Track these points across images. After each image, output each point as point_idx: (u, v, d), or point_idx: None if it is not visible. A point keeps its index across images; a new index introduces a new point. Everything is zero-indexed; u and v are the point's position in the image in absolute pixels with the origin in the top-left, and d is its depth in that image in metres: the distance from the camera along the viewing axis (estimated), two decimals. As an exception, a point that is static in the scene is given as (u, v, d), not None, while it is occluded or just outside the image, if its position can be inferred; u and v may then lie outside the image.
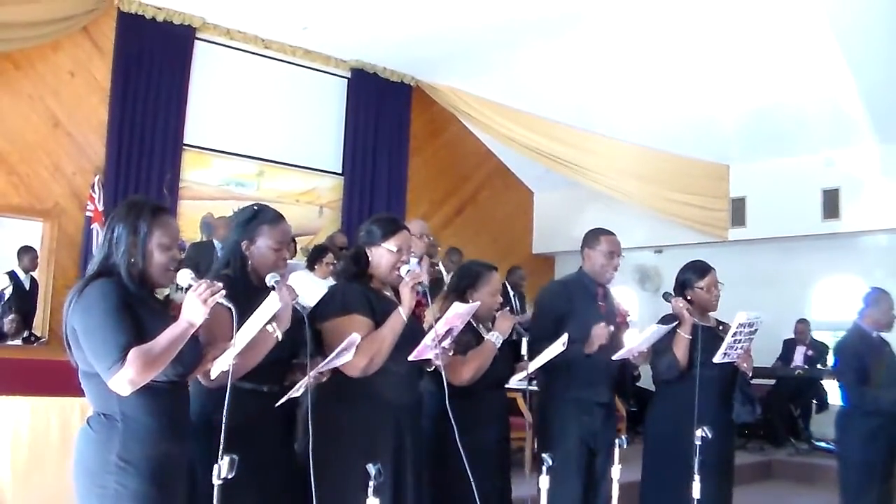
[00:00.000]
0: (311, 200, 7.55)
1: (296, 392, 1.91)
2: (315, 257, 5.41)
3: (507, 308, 2.84)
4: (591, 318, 2.90)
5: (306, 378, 1.89)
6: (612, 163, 7.35)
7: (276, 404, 1.91)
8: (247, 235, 2.10)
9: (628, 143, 7.20)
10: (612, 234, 3.05)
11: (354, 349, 1.95)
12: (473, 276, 2.72)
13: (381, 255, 2.29)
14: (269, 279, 1.99)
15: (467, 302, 2.51)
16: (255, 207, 2.16)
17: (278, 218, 2.14)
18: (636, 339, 2.85)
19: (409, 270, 2.22)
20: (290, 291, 1.95)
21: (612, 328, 2.83)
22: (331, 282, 5.23)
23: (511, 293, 6.61)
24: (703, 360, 2.84)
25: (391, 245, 2.28)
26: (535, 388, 2.65)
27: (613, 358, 2.84)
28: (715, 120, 6.81)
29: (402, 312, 2.18)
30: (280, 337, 1.90)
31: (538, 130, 7.52)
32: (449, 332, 2.23)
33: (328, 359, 1.92)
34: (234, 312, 1.68)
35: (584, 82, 6.95)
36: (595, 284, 3.03)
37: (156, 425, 1.73)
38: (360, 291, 2.24)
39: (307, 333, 1.91)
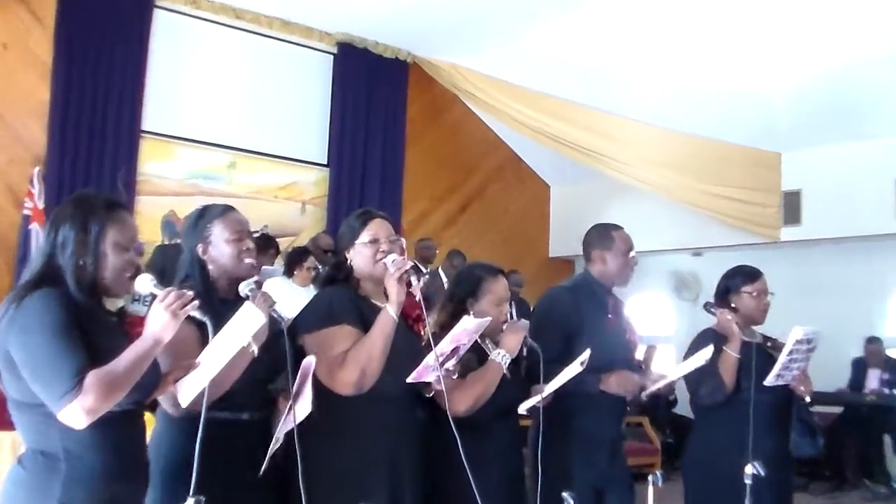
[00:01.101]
0: (292, 196, 7.54)
1: (275, 445, 1.92)
2: (294, 261, 5.41)
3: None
4: (603, 335, 2.86)
5: (282, 423, 1.88)
6: (643, 151, 7.30)
7: (260, 472, 1.90)
8: (199, 238, 2.15)
9: (661, 128, 7.15)
10: (621, 227, 3.05)
11: (309, 377, 1.94)
12: (473, 282, 2.68)
13: (358, 252, 2.31)
14: (244, 287, 2.00)
15: (466, 313, 2.50)
16: (200, 207, 2.23)
17: (227, 209, 2.21)
18: (675, 372, 2.79)
19: (393, 260, 2.21)
20: (267, 298, 1.96)
21: (645, 385, 2.78)
22: (312, 291, 5.23)
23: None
24: (754, 383, 2.82)
25: (364, 237, 2.30)
26: (524, 412, 2.60)
27: (644, 395, 2.80)
28: (763, 97, 6.68)
29: (391, 310, 2.16)
30: (256, 352, 1.90)
31: (556, 114, 7.49)
32: (455, 351, 2.22)
33: (288, 411, 1.90)
34: (209, 327, 1.71)
35: (609, 57, 6.90)
36: (605, 292, 3.00)
37: (106, 464, 1.69)
38: (348, 297, 2.26)
39: (286, 347, 1.91)
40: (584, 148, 7.51)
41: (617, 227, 3.06)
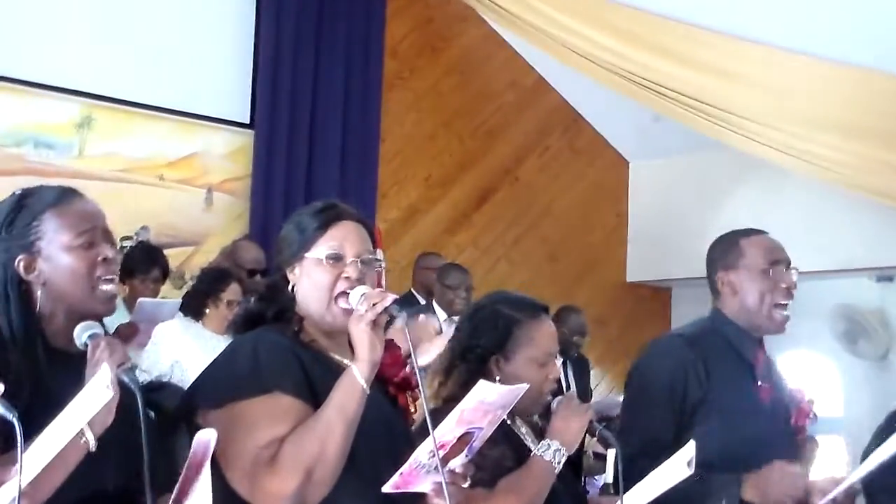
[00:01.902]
0: (191, 177, 7.53)
1: None
2: (206, 292, 5.46)
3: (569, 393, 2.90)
4: (748, 416, 3.04)
5: None
6: (791, 101, 7.23)
7: None
8: (17, 246, 2.18)
9: (824, 61, 7.09)
10: (762, 232, 3.29)
11: (208, 459, 2.00)
12: (501, 328, 2.84)
13: (308, 274, 2.41)
14: (81, 333, 2.06)
15: (492, 378, 2.62)
16: (18, 192, 2.29)
17: (66, 193, 2.27)
18: (856, 472, 2.86)
19: (363, 294, 2.29)
20: (115, 351, 2.00)
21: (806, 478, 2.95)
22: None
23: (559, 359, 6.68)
24: None
25: (320, 249, 2.40)
26: None
27: None
28: None
29: (359, 374, 2.20)
30: (94, 446, 1.93)
31: (639, 38, 7.48)
32: (465, 439, 2.25)
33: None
34: (17, 430, 1.76)
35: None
36: (752, 344, 3.19)
37: None
38: (283, 349, 2.34)
39: (143, 439, 1.93)
40: (687, 97, 7.46)
41: (749, 233, 3.28)
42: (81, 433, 1.92)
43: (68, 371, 1.98)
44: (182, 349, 5.00)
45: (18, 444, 1.76)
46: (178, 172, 7.46)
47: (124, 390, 1.97)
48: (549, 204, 8.93)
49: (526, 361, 2.80)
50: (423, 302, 6.60)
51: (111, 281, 2.22)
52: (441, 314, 6.23)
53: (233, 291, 5.39)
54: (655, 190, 9.19)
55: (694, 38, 7.35)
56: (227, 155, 7.66)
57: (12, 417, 1.78)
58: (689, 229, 8.30)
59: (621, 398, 3.58)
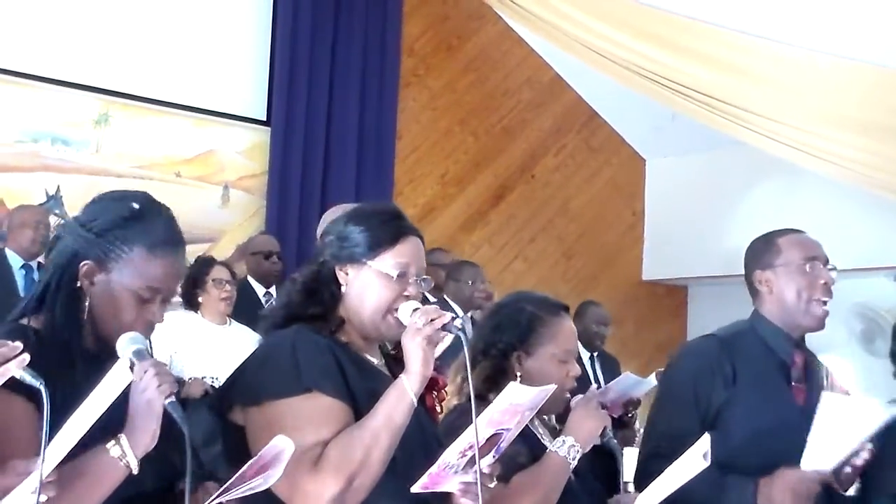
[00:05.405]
0: (208, 174, 7.56)
1: None
2: (193, 282, 5.44)
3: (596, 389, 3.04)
4: (773, 417, 3.02)
5: None
6: (806, 99, 7.21)
7: None
8: (94, 251, 2.17)
9: (839, 58, 7.04)
10: (799, 231, 3.27)
11: (282, 465, 2.00)
12: (525, 324, 2.86)
13: (367, 285, 2.40)
14: (126, 345, 2.04)
15: (513, 373, 2.73)
16: (137, 205, 2.25)
17: (167, 244, 2.23)
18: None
19: (416, 309, 2.30)
20: (164, 381, 1.99)
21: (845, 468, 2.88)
22: (235, 330, 5.15)
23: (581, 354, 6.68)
24: None
25: (387, 261, 2.38)
26: None
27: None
28: None
29: (409, 386, 2.21)
30: (136, 469, 1.96)
31: (658, 37, 7.44)
32: (494, 440, 2.26)
33: (230, 483, 1.98)
34: (44, 397, 1.75)
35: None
36: (788, 345, 3.15)
37: None
38: (322, 348, 2.33)
39: (188, 453, 1.92)
40: (704, 94, 7.44)
41: (786, 232, 3.24)
42: (122, 451, 1.96)
43: (95, 371, 1.95)
44: (178, 340, 5.05)
45: (45, 413, 1.77)
46: (195, 169, 7.48)
47: (168, 418, 1.98)
48: (565, 202, 8.93)
49: (547, 358, 2.81)
50: (432, 299, 6.54)
51: (151, 329, 2.22)
52: (458, 311, 6.19)
53: (218, 271, 5.46)
54: (672, 188, 9.17)
55: (711, 35, 7.32)
56: (244, 152, 7.68)
57: (39, 385, 1.79)
58: (705, 228, 8.33)
59: (643, 379, 3.56)
